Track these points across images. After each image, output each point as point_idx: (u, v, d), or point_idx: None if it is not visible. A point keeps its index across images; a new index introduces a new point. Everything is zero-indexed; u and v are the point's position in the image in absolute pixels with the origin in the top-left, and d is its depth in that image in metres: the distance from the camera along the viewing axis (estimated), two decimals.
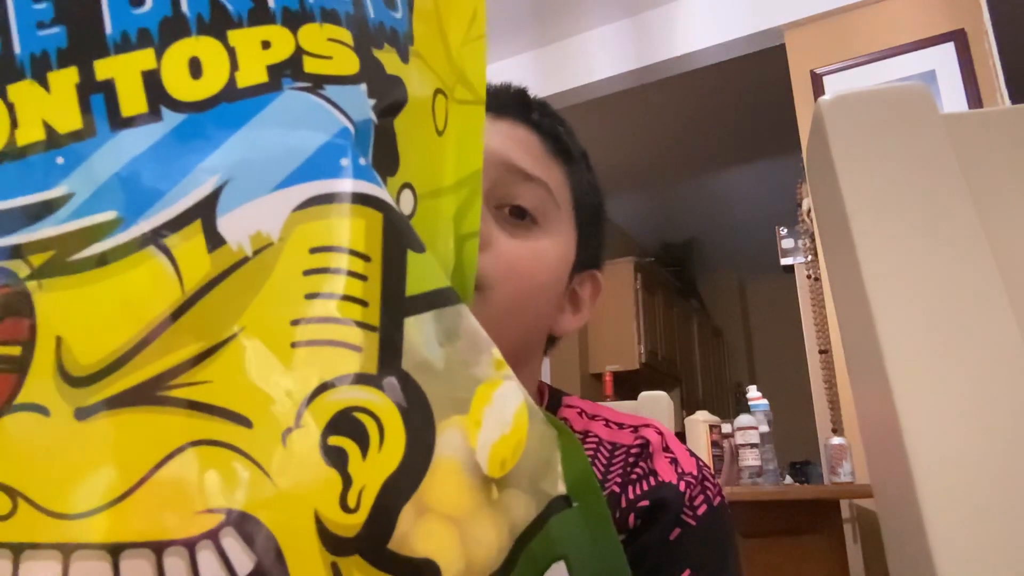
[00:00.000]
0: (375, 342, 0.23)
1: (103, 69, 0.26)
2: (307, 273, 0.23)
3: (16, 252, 0.25)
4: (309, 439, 0.21)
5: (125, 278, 0.23)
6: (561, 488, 0.25)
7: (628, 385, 4.01)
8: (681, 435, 2.17)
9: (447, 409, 0.23)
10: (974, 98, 2.23)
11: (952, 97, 2.25)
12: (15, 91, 0.26)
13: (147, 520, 0.21)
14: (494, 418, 0.23)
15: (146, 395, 0.22)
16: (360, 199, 0.24)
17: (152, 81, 0.26)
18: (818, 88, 2.48)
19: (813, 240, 2.63)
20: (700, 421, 2.14)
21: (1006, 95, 2.17)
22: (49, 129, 0.26)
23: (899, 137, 0.51)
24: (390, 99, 0.28)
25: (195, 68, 0.26)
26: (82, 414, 0.22)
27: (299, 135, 0.25)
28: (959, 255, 0.48)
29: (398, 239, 0.25)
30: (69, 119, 0.26)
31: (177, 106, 0.25)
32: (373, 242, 0.24)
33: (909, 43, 2.37)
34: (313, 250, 0.24)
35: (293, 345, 0.22)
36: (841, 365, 2.34)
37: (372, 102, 0.27)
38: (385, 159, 0.27)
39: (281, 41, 0.26)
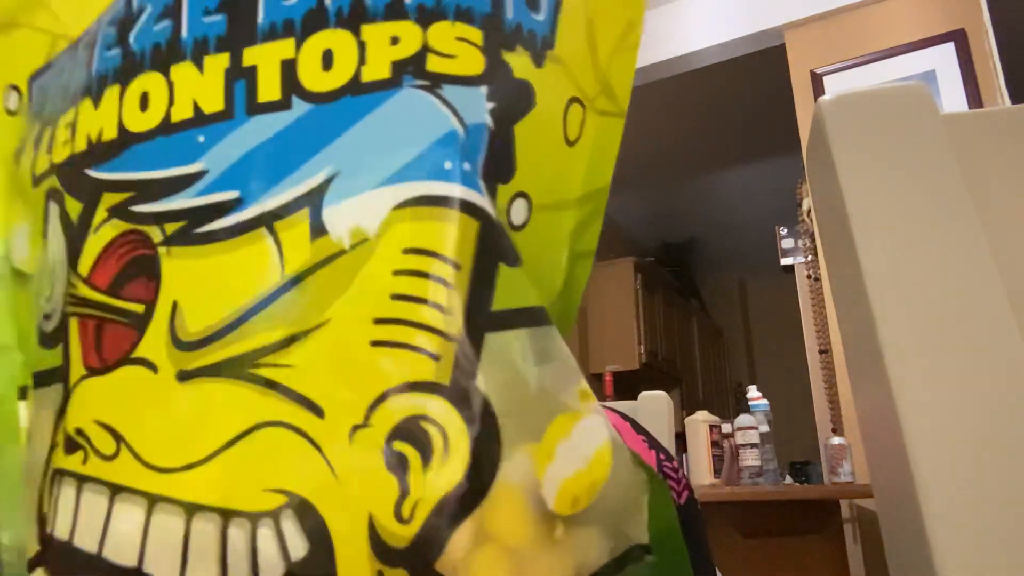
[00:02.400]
0: (452, 352, 0.23)
1: (250, 56, 0.27)
2: (397, 273, 0.24)
3: (156, 219, 0.27)
4: (374, 440, 0.22)
5: (236, 256, 0.25)
6: (644, 536, 0.24)
7: (628, 385, 4.00)
8: (681, 435, 2.17)
9: (520, 434, 0.23)
10: (974, 98, 2.22)
11: (952, 97, 2.25)
12: (177, 71, 0.28)
13: (220, 487, 0.22)
14: (570, 453, 0.23)
15: (237, 369, 0.23)
16: (458, 204, 0.24)
17: (289, 70, 0.27)
18: (818, 88, 2.48)
19: (813, 240, 2.63)
20: (700, 421, 2.14)
21: (1006, 95, 2.17)
22: (197, 109, 0.28)
23: (899, 137, 0.51)
24: (513, 103, 0.28)
25: (327, 60, 0.27)
26: (183, 376, 0.24)
27: (409, 133, 0.25)
28: (959, 255, 0.48)
29: (491, 250, 0.25)
30: (214, 101, 0.27)
31: (306, 96, 0.27)
32: (465, 250, 0.24)
33: (909, 43, 2.37)
34: (406, 251, 0.24)
35: (373, 344, 0.23)
36: (841, 365, 2.34)
37: (491, 105, 0.27)
38: (499, 165, 0.27)
39: (410, 37, 0.26)
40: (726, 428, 2.19)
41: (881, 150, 0.51)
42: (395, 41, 0.27)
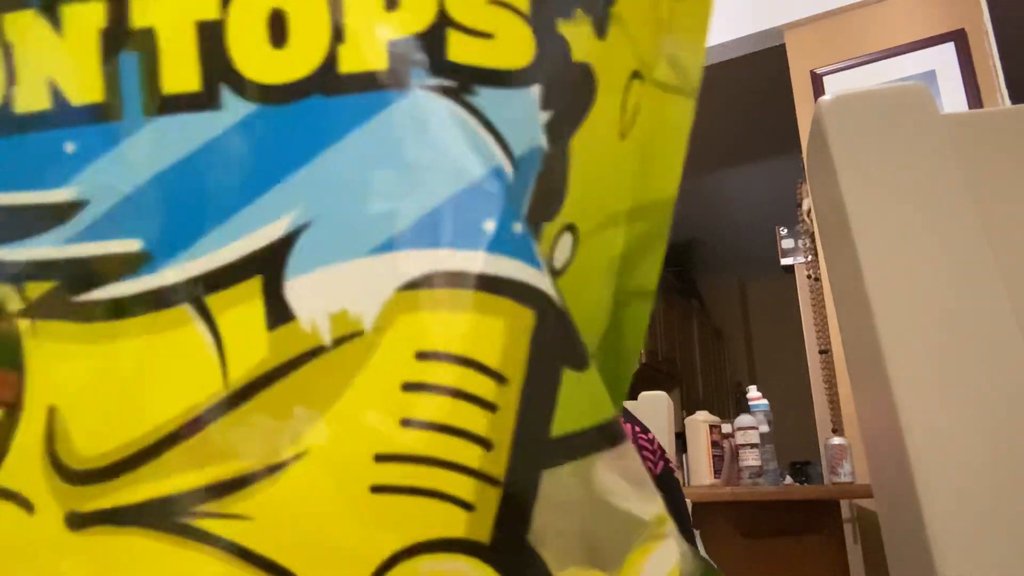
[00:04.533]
0: (495, 500, 0.16)
1: (142, 9, 0.17)
2: (407, 388, 0.16)
3: (10, 276, 0.17)
4: None
5: (147, 345, 0.17)
6: None
7: None
8: (681, 435, 2.17)
9: None
10: (974, 98, 2.22)
11: (952, 97, 2.25)
12: (13, 24, 0.17)
13: None
14: None
15: (161, 517, 0.16)
16: (504, 287, 0.16)
17: (211, 41, 0.17)
18: (818, 88, 2.48)
19: (813, 240, 2.63)
20: (700, 421, 2.14)
21: (1006, 95, 2.17)
22: (57, 96, 0.17)
23: (899, 137, 0.51)
24: (572, 106, 0.19)
25: (277, 28, 0.17)
26: (76, 522, 0.16)
27: (423, 171, 0.16)
28: (959, 255, 0.48)
29: (553, 351, 0.17)
30: (86, 85, 0.17)
31: (245, 89, 0.17)
32: (514, 356, 0.16)
33: (909, 43, 2.37)
34: (421, 355, 0.16)
35: (375, 489, 0.16)
36: (841, 365, 2.34)
37: (546, 117, 0.18)
38: (548, 198, 0.19)
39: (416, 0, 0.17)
40: (726, 428, 2.18)
41: (881, 150, 0.51)
42: (392, 3, 0.17)
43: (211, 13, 0.17)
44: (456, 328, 0.16)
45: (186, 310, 0.17)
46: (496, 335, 0.16)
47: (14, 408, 0.17)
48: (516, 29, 0.18)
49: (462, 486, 0.16)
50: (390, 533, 0.16)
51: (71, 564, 0.16)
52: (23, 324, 0.17)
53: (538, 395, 0.17)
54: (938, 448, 0.43)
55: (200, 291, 0.17)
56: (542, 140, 0.18)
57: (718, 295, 5.97)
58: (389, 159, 0.17)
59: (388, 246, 0.16)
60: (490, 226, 0.17)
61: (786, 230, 2.98)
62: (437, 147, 0.17)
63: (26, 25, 0.18)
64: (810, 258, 2.71)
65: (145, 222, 0.17)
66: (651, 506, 0.18)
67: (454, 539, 0.16)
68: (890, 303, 0.47)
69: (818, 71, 2.50)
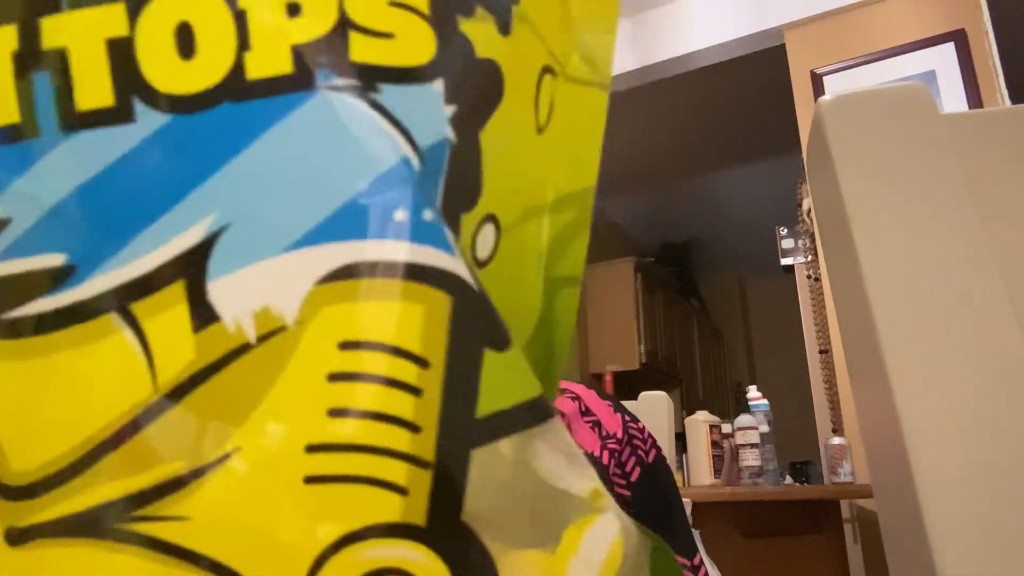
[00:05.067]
0: (427, 482, 0.17)
1: (53, 31, 0.17)
2: (333, 379, 0.17)
3: None
4: None
5: (75, 357, 0.17)
6: None
7: (628, 385, 4.00)
8: (681, 435, 2.17)
9: (523, 569, 0.18)
10: (974, 98, 2.23)
11: (952, 97, 2.25)
12: None
13: None
14: (582, 569, 0.18)
15: (101, 525, 0.16)
16: (420, 274, 0.17)
17: (122, 58, 0.18)
18: (818, 88, 2.48)
19: (813, 240, 2.63)
20: (700, 421, 2.14)
21: (1006, 95, 2.17)
22: None
23: (899, 137, 0.51)
24: (479, 101, 0.20)
25: (185, 41, 0.18)
26: (16, 537, 0.17)
27: (335, 166, 0.18)
28: (959, 255, 0.48)
29: (472, 334, 0.18)
30: (1, 106, 0.18)
31: (158, 100, 0.18)
32: (435, 339, 0.17)
33: (909, 43, 2.37)
34: (344, 345, 0.17)
35: (308, 480, 0.16)
36: (841, 365, 2.34)
37: (451, 110, 0.19)
38: (463, 189, 0.20)
39: (318, 2, 0.18)
40: (726, 428, 2.19)
41: (881, 150, 0.51)
42: (294, 10, 0.18)
43: (120, 30, 0.18)
44: (376, 316, 0.17)
45: (112, 319, 0.17)
46: (416, 320, 0.17)
47: None
48: (416, 28, 0.19)
49: (394, 471, 0.16)
50: (327, 523, 0.16)
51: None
52: None
53: (461, 376, 0.17)
54: (938, 448, 0.44)
55: (126, 299, 0.17)
56: (449, 132, 0.19)
57: (718, 295, 5.97)
58: (300, 158, 0.18)
59: (304, 241, 0.17)
60: (402, 216, 0.17)
61: (786, 230, 2.98)
62: (345, 143, 0.18)
63: None
64: (810, 258, 2.72)
65: (68, 236, 0.18)
66: (585, 482, 0.19)
67: (391, 524, 0.16)
68: (890, 303, 0.47)
69: (818, 71, 2.51)
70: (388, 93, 0.18)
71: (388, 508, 0.16)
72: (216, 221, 0.17)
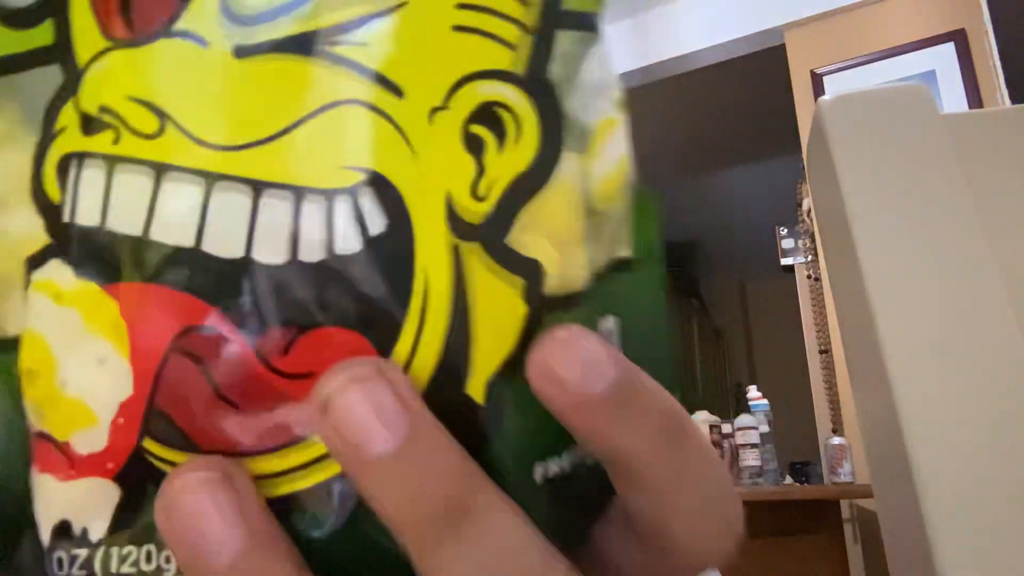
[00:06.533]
0: (529, 44, 0.21)
1: None
2: None
3: None
4: (453, 121, 0.20)
5: None
6: (627, 251, 0.24)
7: None
8: None
9: (572, 133, 0.23)
10: (974, 98, 2.23)
11: (952, 97, 2.25)
12: None
13: (292, 165, 0.20)
14: (607, 156, 0.23)
15: (306, 45, 0.21)
16: None
17: None
18: (818, 88, 2.48)
19: (813, 240, 2.63)
20: (700, 421, 2.14)
21: (1006, 95, 2.18)
22: None
23: (899, 137, 0.51)
24: None
25: None
26: (241, 52, 0.21)
27: None
28: (959, 255, 0.48)
29: None
30: None
31: None
32: None
33: (909, 43, 2.37)
34: None
35: (455, 28, 0.21)
36: (841, 365, 2.34)
37: None
38: None
39: None
40: (726, 428, 2.19)
41: (881, 150, 0.51)
42: None
43: None
44: None
45: None
46: None
47: None
48: None
49: (509, 31, 0.21)
50: (464, 60, 0.21)
51: (237, 79, 0.21)
52: None
53: None
54: (938, 448, 0.44)
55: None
56: None
57: (718, 295, 5.98)
58: None
59: None
60: None
61: (786, 230, 2.98)
62: None
63: None
64: (810, 258, 2.72)
65: None
66: (614, 90, 0.23)
67: (502, 70, 0.21)
68: (890, 303, 0.47)
69: (818, 71, 2.51)
70: None
71: (502, 57, 0.21)
72: None
